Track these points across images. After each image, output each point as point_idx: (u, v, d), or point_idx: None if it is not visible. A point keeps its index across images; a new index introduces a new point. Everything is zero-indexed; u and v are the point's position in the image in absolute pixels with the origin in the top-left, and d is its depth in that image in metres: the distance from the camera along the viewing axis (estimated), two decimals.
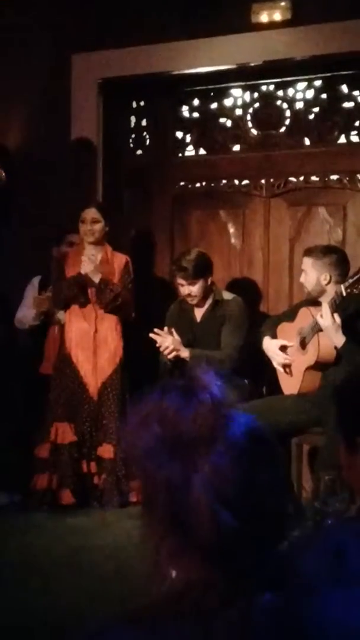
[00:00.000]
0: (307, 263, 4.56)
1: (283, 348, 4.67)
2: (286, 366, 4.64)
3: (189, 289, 4.89)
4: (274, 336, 4.75)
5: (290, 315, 4.83)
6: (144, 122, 6.07)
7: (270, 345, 4.72)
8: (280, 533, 1.17)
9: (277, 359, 4.66)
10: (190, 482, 1.10)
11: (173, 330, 4.88)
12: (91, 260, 4.99)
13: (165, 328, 4.89)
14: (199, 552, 1.10)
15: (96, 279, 5.01)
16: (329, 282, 4.48)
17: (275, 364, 4.69)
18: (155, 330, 4.86)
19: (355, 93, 5.42)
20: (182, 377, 1.21)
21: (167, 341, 4.83)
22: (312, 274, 4.52)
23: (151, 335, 4.85)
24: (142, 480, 1.17)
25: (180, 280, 4.90)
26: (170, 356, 4.83)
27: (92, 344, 5.08)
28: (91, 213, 5.10)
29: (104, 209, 5.21)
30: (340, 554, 1.39)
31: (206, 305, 4.99)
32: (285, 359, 4.61)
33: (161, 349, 4.84)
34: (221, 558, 1.10)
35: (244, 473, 1.11)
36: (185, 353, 4.84)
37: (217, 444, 1.11)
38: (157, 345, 4.85)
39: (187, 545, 1.11)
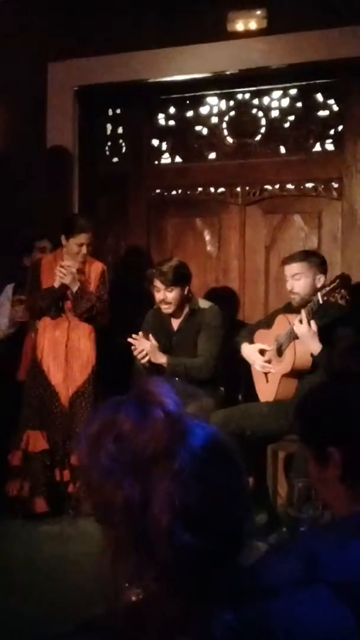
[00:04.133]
0: (297, 268, 4.51)
1: (262, 352, 4.68)
2: (267, 369, 4.64)
3: (165, 295, 4.87)
4: (251, 342, 4.77)
5: (266, 322, 4.84)
6: (120, 130, 6.07)
7: (248, 350, 4.74)
8: (240, 547, 1.14)
9: (257, 362, 4.68)
10: (149, 500, 1.07)
11: (150, 334, 4.87)
12: (69, 272, 4.96)
13: (141, 332, 4.88)
14: (159, 569, 1.07)
15: (74, 288, 4.99)
16: (322, 285, 4.44)
17: (257, 368, 4.70)
18: (133, 334, 4.86)
19: (330, 101, 5.45)
20: (134, 392, 1.17)
21: (144, 345, 4.83)
22: (307, 278, 4.49)
23: (128, 339, 4.84)
24: (99, 500, 1.13)
25: (157, 285, 4.89)
26: (144, 360, 4.82)
27: (64, 352, 5.06)
28: (89, 238, 5.04)
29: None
30: (311, 561, 1.39)
31: (183, 314, 4.98)
32: (264, 362, 4.63)
33: (136, 353, 4.83)
34: (180, 576, 1.07)
35: (203, 488, 1.09)
36: (162, 359, 4.84)
37: (175, 461, 1.08)
38: (133, 348, 4.84)
39: (146, 562, 1.08)
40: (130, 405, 1.14)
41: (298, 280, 4.52)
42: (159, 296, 4.91)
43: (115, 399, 1.18)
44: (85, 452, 1.14)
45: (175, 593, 1.07)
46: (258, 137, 5.65)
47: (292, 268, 4.55)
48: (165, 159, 5.95)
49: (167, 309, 4.93)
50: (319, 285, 4.45)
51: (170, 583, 1.08)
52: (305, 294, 4.49)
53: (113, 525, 1.10)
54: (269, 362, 4.66)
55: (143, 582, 1.09)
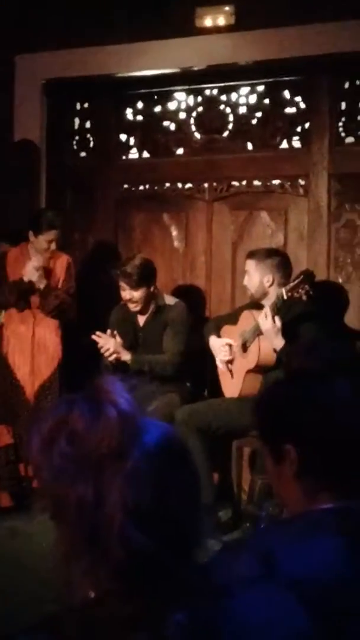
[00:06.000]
0: (251, 265, 4.60)
1: (228, 346, 4.71)
2: (228, 362, 4.67)
3: (131, 294, 4.86)
4: (218, 336, 4.79)
5: (232, 318, 4.86)
6: (87, 124, 6.05)
7: (215, 343, 4.76)
8: (194, 546, 1.14)
9: (220, 355, 4.69)
10: (102, 500, 1.07)
11: (115, 332, 4.87)
12: (36, 269, 4.95)
13: (108, 330, 4.87)
14: (111, 568, 1.07)
15: (41, 285, 4.97)
16: (271, 285, 4.52)
17: (217, 361, 4.72)
18: (97, 332, 4.85)
19: (297, 99, 5.45)
20: (86, 390, 1.16)
21: (108, 343, 4.82)
22: (255, 276, 4.56)
23: (93, 337, 4.83)
24: (52, 498, 1.12)
25: (123, 285, 4.89)
26: (110, 358, 4.81)
27: (29, 346, 5.05)
28: (57, 234, 5.03)
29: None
30: (269, 559, 1.40)
31: (149, 311, 4.98)
32: (226, 355, 4.65)
33: (102, 351, 4.83)
34: (133, 575, 1.08)
35: (156, 488, 1.09)
36: (127, 356, 4.83)
37: (127, 459, 1.08)
38: (99, 346, 4.83)
39: (99, 561, 1.08)
40: (83, 403, 1.13)
41: (248, 276, 4.61)
42: (125, 295, 4.90)
43: (68, 396, 1.17)
44: (38, 450, 1.14)
45: (128, 592, 1.08)
46: (226, 133, 5.65)
47: (246, 263, 4.65)
48: (133, 154, 5.94)
49: (134, 307, 4.92)
50: (267, 284, 4.51)
51: (123, 582, 1.08)
52: (254, 291, 4.58)
53: (66, 523, 1.10)
54: (232, 359, 4.69)
55: (96, 580, 1.09)
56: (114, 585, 1.08)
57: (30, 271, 4.94)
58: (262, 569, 1.37)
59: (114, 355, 4.81)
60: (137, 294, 4.85)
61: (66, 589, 1.11)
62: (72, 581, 1.10)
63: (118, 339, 4.84)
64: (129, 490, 1.07)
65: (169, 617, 1.05)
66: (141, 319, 5.01)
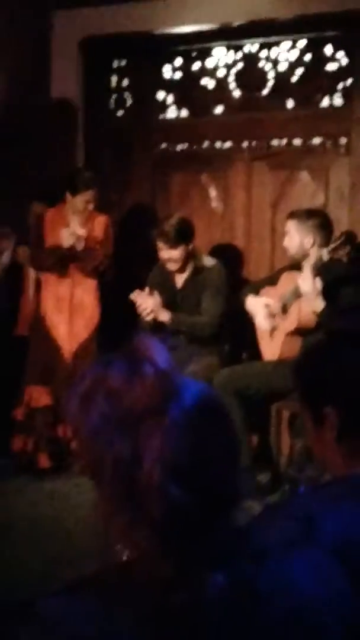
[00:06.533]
0: (291, 226, 4.52)
1: (267, 307, 4.65)
2: (268, 323, 4.61)
3: (169, 254, 4.83)
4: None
5: (272, 280, 4.80)
6: (125, 82, 5.97)
7: (254, 302, 4.70)
8: (232, 506, 1.14)
9: (260, 315, 4.64)
10: (140, 457, 1.07)
11: (155, 292, 4.84)
12: (74, 233, 4.93)
13: (147, 289, 4.85)
14: (150, 527, 1.07)
15: (79, 247, 4.95)
16: (312, 246, 4.45)
17: (257, 321, 4.67)
18: (136, 291, 4.82)
19: (339, 55, 5.33)
20: (123, 349, 1.17)
21: (147, 302, 4.79)
22: (296, 237, 4.49)
23: (131, 295, 4.81)
24: (91, 458, 1.13)
25: (160, 245, 4.85)
26: (148, 318, 4.79)
27: (67, 308, 5.05)
28: (95, 195, 4.99)
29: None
30: (310, 522, 1.37)
31: (187, 271, 4.94)
32: (267, 318, 4.59)
33: (140, 310, 4.80)
34: (172, 533, 1.07)
35: (194, 445, 1.09)
36: (165, 316, 4.81)
37: (165, 417, 1.08)
38: (138, 305, 4.81)
39: (138, 520, 1.08)
40: (120, 362, 1.14)
41: (289, 237, 4.53)
42: (163, 255, 4.87)
43: (106, 356, 1.18)
44: (76, 409, 1.15)
45: (167, 552, 1.08)
46: (265, 91, 5.55)
47: (287, 224, 4.56)
48: (171, 112, 5.86)
49: (172, 267, 4.89)
50: (307, 246, 4.43)
51: (162, 541, 1.08)
52: (294, 252, 4.50)
53: (105, 482, 1.11)
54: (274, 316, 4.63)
55: (135, 540, 1.10)
56: (152, 545, 1.08)
57: (68, 237, 4.93)
58: (302, 532, 1.35)
59: (152, 315, 4.79)
60: (175, 253, 4.81)
61: (105, 549, 1.13)
62: (111, 540, 1.12)
63: (157, 298, 4.81)
64: (167, 448, 1.07)
65: (208, 578, 1.05)
66: (179, 280, 4.97)
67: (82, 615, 1.04)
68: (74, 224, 4.97)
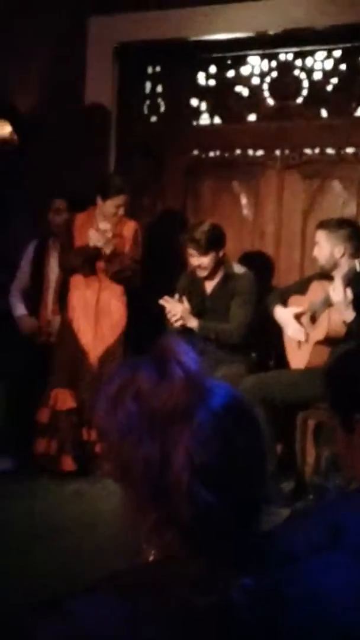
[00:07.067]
0: (321, 236, 4.51)
1: (297, 316, 4.63)
2: (299, 334, 4.58)
3: (200, 261, 4.84)
4: (284, 306, 4.72)
5: (300, 288, 4.78)
6: (159, 89, 5.98)
7: (283, 313, 4.68)
8: (260, 510, 1.13)
9: (291, 327, 4.62)
10: (169, 459, 1.07)
11: (183, 298, 4.84)
12: (101, 234, 4.95)
13: (176, 295, 4.85)
14: (178, 529, 1.07)
15: (107, 250, 4.97)
16: (342, 256, 4.43)
17: (289, 332, 4.65)
18: (165, 297, 4.82)
19: None
20: (152, 351, 1.16)
21: (176, 308, 4.80)
22: (326, 247, 4.47)
23: (161, 301, 4.81)
24: (119, 459, 1.13)
25: (191, 252, 4.85)
26: (177, 324, 4.79)
27: (94, 312, 5.07)
28: (125, 200, 5.02)
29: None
30: (337, 529, 1.36)
31: (217, 278, 4.94)
32: (300, 328, 4.57)
33: (169, 316, 4.80)
34: (200, 535, 1.07)
35: (223, 448, 1.08)
36: (193, 323, 4.81)
37: (194, 418, 1.08)
38: (167, 311, 4.81)
39: (166, 522, 1.08)
40: (149, 364, 1.14)
41: (319, 247, 4.51)
42: (193, 261, 4.87)
43: (134, 358, 1.18)
44: (105, 411, 1.14)
45: (194, 554, 1.08)
46: (299, 100, 5.54)
47: (317, 234, 4.54)
48: (204, 119, 5.86)
49: (202, 273, 4.89)
50: (338, 256, 4.42)
51: (190, 543, 1.08)
52: (324, 262, 4.48)
53: (133, 484, 1.11)
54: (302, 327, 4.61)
55: (162, 541, 1.10)
56: (179, 546, 1.08)
57: (95, 236, 4.94)
58: (329, 538, 1.34)
59: (181, 321, 4.79)
60: (206, 260, 4.81)
61: (131, 550, 1.12)
62: (137, 541, 1.12)
63: (186, 304, 4.81)
64: (195, 450, 1.06)
65: (236, 582, 1.04)
66: (209, 287, 4.97)
67: (107, 615, 1.03)
68: (103, 225, 4.98)
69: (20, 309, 5.52)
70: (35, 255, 5.55)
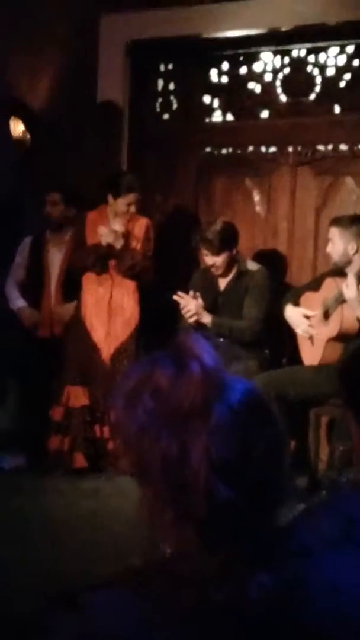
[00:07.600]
0: (334, 232, 4.51)
1: (306, 317, 4.62)
2: (308, 332, 4.59)
3: (214, 260, 4.84)
4: (296, 305, 4.71)
5: (314, 285, 4.77)
6: (171, 86, 5.98)
7: (293, 313, 4.68)
8: (278, 504, 1.13)
9: (301, 326, 4.61)
10: (187, 454, 1.06)
11: (197, 294, 4.84)
12: (114, 232, 4.95)
13: (190, 292, 4.85)
14: (195, 524, 1.07)
15: (118, 245, 4.97)
16: (355, 252, 4.43)
17: (299, 332, 4.65)
18: (179, 292, 4.83)
19: None
20: (169, 347, 1.15)
21: (190, 304, 4.80)
22: (339, 244, 4.47)
23: (175, 297, 4.82)
24: (136, 455, 1.12)
25: (204, 252, 4.86)
26: (191, 320, 4.80)
27: (106, 309, 5.08)
28: (137, 197, 5.02)
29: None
30: (351, 524, 1.36)
31: (230, 275, 4.94)
32: (309, 326, 4.56)
33: (183, 312, 4.81)
34: (217, 531, 1.07)
35: (241, 443, 1.08)
36: (207, 318, 4.81)
37: (212, 414, 1.07)
38: (181, 307, 4.81)
39: (183, 517, 1.07)
40: (166, 360, 1.13)
41: (332, 243, 4.51)
42: (207, 261, 4.89)
43: (151, 354, 1.17)
44: (122, 407, 1.14)
45: (211, 549, 1.07)
46: (312, 96, 5.53)
47: (330, 231, 4.55)
48: (217, 116, 5.86)
49: (216, 271, 4.90)
50: (351, 252, 4.42)
51: (207, 539, 1.07)
52: (337, 259, 4.48)
53: (150, 480, 1.10)
54: (311, 327, 4.61)
55: (179, 536, 1.09)
56: (196, 542, 1.08)
57: (107, 233, 4.94)
58: (342, 532, 1.34)
59: (195, 317, 4.79)
60: (220, 259, 4.82)
61: (148, 545, 1.12)
62: (154, 537, 1.11)
63: (200, 300, 4.82)
64: (213, 445, 1.06)
65: (252, 578, 1.04)
66: (222, 283, 4.97)
67: (123, 609, 1.03)
68: (113, 222, 4.99)
69: (19, 302, 5.49)
70: (33, 248, 5.53)
